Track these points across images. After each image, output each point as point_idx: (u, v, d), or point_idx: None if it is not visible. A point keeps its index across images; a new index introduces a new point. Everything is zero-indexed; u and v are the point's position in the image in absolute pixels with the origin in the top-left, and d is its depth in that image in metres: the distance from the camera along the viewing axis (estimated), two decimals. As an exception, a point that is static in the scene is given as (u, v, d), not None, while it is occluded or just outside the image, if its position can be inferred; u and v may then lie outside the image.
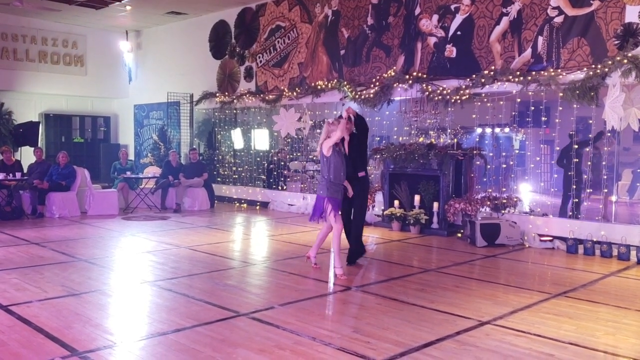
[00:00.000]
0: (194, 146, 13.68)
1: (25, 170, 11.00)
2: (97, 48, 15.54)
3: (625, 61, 7.20)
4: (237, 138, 13.24)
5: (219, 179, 13.53)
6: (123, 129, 16.68)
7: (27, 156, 12.85)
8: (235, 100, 12.94)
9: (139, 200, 11.51)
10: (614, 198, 8.08)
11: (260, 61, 12.68)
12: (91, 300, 5.13)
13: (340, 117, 6.51)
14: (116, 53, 15.86)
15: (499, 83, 8.55)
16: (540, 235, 8.10)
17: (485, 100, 8.89)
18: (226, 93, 13.23)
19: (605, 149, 8.09)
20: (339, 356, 3.80)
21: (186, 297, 5.22)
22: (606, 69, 7.44)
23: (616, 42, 7.56)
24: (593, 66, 7.66)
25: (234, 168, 13.42)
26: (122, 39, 15.78)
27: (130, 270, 6.47)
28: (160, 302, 5.11)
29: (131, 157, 15.51)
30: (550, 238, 8.01)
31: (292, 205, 11.84)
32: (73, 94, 15.53)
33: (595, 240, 7.50)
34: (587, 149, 8.19)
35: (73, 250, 7.41)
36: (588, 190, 8.10)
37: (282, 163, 12.60)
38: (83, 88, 15.48)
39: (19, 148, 13.48)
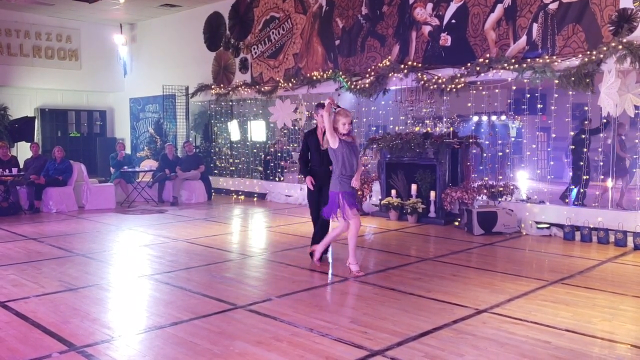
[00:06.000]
0: (189, 139, 13.65)
1: (21, 166, 10.97)
2: (92, 42, 15.45)
3: (620, 47, 7.17)
4: (233, 130, 13.21)
5: (215, 171, 13.52)
6: (119, 122, 16.62)
7: (23, 152, 12.82)
8: (230, 92, 12.90)
9: (136, 194, 11.50)
10: (609, 184, 8.09)
11: (255, 52, 12.62)
12: (89, 294, 5.13)
13: (322, 105, 6.01)
14: (111, 47, 15.77)
15: (494, 71, 8.51)
16: (537, 223, 8.12)
17: (481, 88, 8.87)
18: (221, 85, 13.18)
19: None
20: (336, 347, 3.81)
21: (184, 290, 5.22)
22: (601, 55, 7.41)
23: (611, 28, 7.52)
24: (588, 52, 7.63)
25: (230, 160, 13.41)
26: (116, 32, 15.68)
27: (127, 264, 6.47)
28: (158, 296, 5.12)
29: (128, 150, 15.48)
30: (548, 225, 8.03)
31: (289, 196, 11.84)
32: (68, 89, 15.47)
33: (592, 226, 7.52)
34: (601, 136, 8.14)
35: (70, 245, 7.41)
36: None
37: (279, 154, 12.60)
38: (78, 82, 15.41)
39: (15, 143, 13.44)
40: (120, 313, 4.69)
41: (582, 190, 8.63)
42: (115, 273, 6.09)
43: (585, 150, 8.21)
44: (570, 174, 9.22)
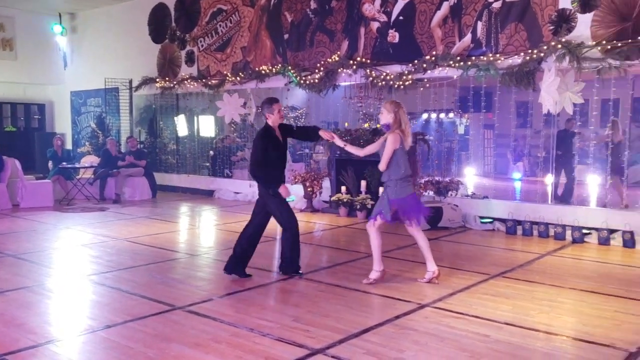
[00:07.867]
0: (132, 134, 13.20)
1: (-51, 162, 10.30)
2: (28, 31, 14.66)
3: (560, 46, 7.37)
4: (180, 125, 12.86)
5: (161, 168, 13.13)
6: (59, 116, 15.90)
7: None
8: (176, 86, 12.54)
9: (75, 191, 11.01)
10: (548, 180, 8.33)
11: (202, 45, 12.31)
12: (17, 298, 4.83)
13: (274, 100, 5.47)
14: (49, 37, 15.03)
15: (440, 68, 8.60)
16: (481, 217, 8.27)
17: (428, 85, 8.94)
18: (167, 78, 12.79)
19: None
20: (277, 346, 3.71)
21: (120, 292, 4.99)
22: (542, 54, 7.61)
23: (551, 27, 7.73)
24: (529, 51, 7.81)
25: (177, 156, 13.05)
26: (54, 22, 14.95)
27: (63, 265, 6.14)
28: (93, 298, 4.87)
29: (68, 146, 14.83)
30: (491, 220, 8.20)
31: (238, 193, 11.63)
32: (3, 80, 14.62)
33: (533, 221, 7.72)
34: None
35: (2, 246, 6.98)
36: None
37: (227, 150, 12.36)
38: (14, 74, 14.59)
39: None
40: (49, 317, 4.42)
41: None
42: (48, 275, 5.75)
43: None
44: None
